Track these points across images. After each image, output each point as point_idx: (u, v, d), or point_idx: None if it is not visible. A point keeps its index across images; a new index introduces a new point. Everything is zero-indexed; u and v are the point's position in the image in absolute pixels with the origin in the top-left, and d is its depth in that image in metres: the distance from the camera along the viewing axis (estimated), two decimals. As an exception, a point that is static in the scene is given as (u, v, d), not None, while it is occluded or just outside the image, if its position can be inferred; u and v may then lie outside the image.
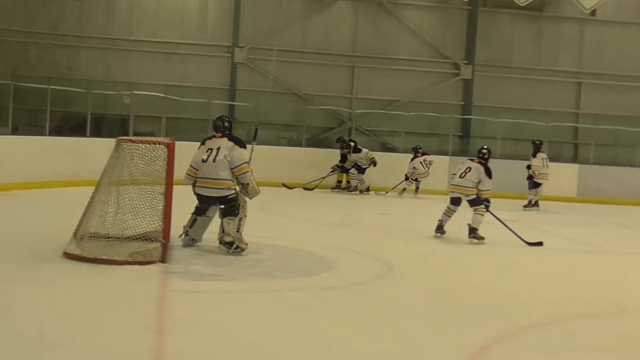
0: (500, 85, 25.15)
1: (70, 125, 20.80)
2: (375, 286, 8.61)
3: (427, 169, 20.18)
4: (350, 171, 20.02)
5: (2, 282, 7.22)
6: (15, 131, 16.92)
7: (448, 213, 12.15)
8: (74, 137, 17.94)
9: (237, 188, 9.70)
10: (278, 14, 24.00)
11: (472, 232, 11.85)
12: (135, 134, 18.59)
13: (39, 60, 21.85)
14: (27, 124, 19.66)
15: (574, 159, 24.77)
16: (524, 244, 11.75)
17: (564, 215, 18.08)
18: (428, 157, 20.37)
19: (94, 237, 8.97)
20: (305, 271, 9.08)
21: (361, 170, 19.92)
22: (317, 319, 6.75)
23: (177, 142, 9.13)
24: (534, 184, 18.52)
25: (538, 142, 18.90)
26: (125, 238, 9.07)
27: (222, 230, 9.54)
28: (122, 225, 9.12)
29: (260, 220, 13.28)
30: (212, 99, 22.26)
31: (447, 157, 21.90)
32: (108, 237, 9.07)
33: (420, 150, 20.42)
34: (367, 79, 24.64)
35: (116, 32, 23.32)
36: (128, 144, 9.36)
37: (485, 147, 12.53)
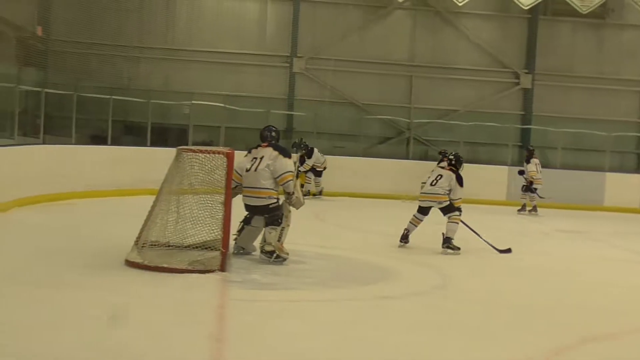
0: (561, 94, 24.79)
1: (131, 135, 21.06)
2: (432, 296, 8.54)
3: None
4: (307, 175, 19.30)
5: (65, 290, 7.32)
6: (77, 141, 17.16)
7: (415, 222, 11.69)
8: (134, 147, 18.15)
9: (280, 197, 9.71)
10: (336, 24, 24.01)
11: (447, 241, 11.26)
12: (194, 144, 18.73)
13: (100, 71, 22.16)
14: (88, 134, 19.97)
15: (637, 169, 24.32)
16: (497, 252, 11.41)
17: (626, 226, 17.76)
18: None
19: (154, 245, 9.05)
20: (361, 281, 9.05)
21: (318, 174, 19.53)
22: (374, 329, 6.71)
23: (236, 152, 9.19)
24: (529, 189, 18.66)
25: (531, 148, 19.31)
26: (186, 247, 9.14)
27: (264, 239, 9.56)
28: (182, 234, 9.20)
29: (316, 229, 13.32)
30: (271, 109, 22.35)
31: (506, 167, 21.65)
32: (168, 246, 9.14)
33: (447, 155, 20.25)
34: (426, 89, 24.51)
35: (176, 42, 23.58)
36: (188, 153, 9.43)
37: (453, 152, 12.38)
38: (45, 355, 5.38)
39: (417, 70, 24.51)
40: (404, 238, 11.55)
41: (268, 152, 9.69)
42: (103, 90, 18.65)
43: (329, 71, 23.44)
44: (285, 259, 9.45)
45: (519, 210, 18.78)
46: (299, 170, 18.54)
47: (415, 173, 18.77)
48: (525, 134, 24.48)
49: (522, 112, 24.83)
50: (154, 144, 18.90)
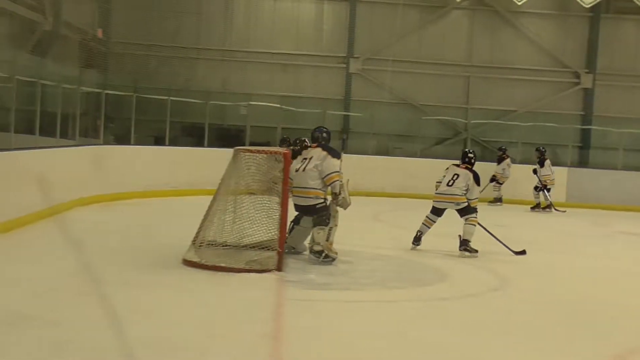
0: (623, 94, 24.35)
1: (189, 135, 21.26)
2: (490, 298, 8.46)
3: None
4: None
5: (124, 288, 7.41)
6: (136, 142, 17.36)
7: (428, 223, 11.09)
8: (192, 148, 18.30)
9: (328, 198, 9.70)
10: (393, 24, 23.93)
11: (464, 244, 10.77)
12: (251, 144, 18.83)
13: (158, 73, 22.42)
14: (147, 134, 20.20)
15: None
16: (512, 253, 11.02)
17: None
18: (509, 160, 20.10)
19: (211, 245, 9.12)
20: (419, 282, 9.01)
21: None
22: (431, 330, 6.67)
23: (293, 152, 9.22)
24: (542, 190, 18.85)
25: (543, 150, 19.34)
26: (242, 246, 9.19)
27: (313, 239, 9.56)
28: (239, 234, 9.27)
29: (374, 230, 13.30)
30: (327, 110, 22.36)
31: (566, 168, 21.34)
32: (225, 245, 9.20)
33: (506, 151, 20.15)
34: (483, 89, 24.30)
35: (233, 44, 23.74)
36: (245, 154, 9.49)
37: (471, 150, 11.91)
38: (108, 351, 5.46)
39: (475, 70, 24.32)
40: (417, 240, 10.99)
41: (317, 153, 9.72)
42: (161, 92, 18.84)
43: (386, 72, 23.36)
44: (334, 259, 9.45)
45: (532, 208, 18.97)
46: None
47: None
48: (585, 135, 24.13)
49: (582, 113, 24.46)
50: (212, 144, 19.03)
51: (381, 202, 18.39)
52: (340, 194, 9.61)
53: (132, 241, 10.37)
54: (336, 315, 7.12)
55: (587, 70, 24.29)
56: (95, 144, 15.69)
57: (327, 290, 8.24)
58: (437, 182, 11.21)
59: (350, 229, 10.51)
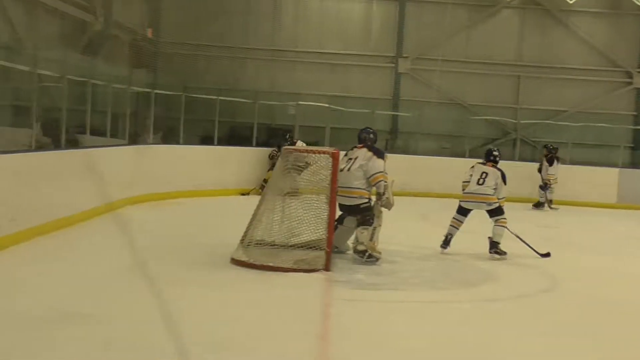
0: (678, 93, 23.94)
1: (237, 135, 21.34)
2: (540, 299, 8.37)
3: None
4: None
5: (173, 287, 7.45)
6: (185, 141, 17.47)
7: (456, 224, 10.69)
8: (240, 147, 18.37)
9: (372, 198, 9.68)
10: (442, 23, 23.77)
11: (494, 246, 10.47)
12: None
13: (207, 72, 22.54)
14: (196, 134, 20.33)
15: None
16: (538, 255, 10.64)
17: None
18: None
19: (260, 244, 9.16)
20: (467, 282, 8.94)
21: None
22: (479, 331, 6.63)
23: (341, 152, 9.21)
24: (544, 188, 18.72)
25: (551, 147, 19.11)
26: (290, 246, 9.22)
27: (356, 239, 9.53)
28: (287, 233, 9.30)
29: (421, 230, 13.25)
30: (375, 109, 22.27)
31: (617, 169, 21.03)
32: (274, 245, 9.24)
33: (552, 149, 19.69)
34: (533, 89, 24.02)
35: (281, 43, 23.76)
36: (294, 153, 9.51)
37: (496, 148, 11.54)
38: (158, 349, 5.51)
39: (525, 69, 24.05)
40: (446, 243, 10.59)
41: (362, 153, 9.74)
42: (210, 92, 18.92)
43: (435, 71, 23.23)
44: (377, 259, 9.44)
45: (534, 206, 18.87)
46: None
47: (521, 174, 18.49)
48: (637, 135, 23.74)
49: (634, 113, 24.07)
50: (260, 144, 19.08)
51: (429, 202, 18.27)
52: (384, 194, 9.58)
53: (181, 240, 10.45)
54: (383, 315, 7.10)
55: (639, 70, 23.90)
56: (144, 144, 15.82)
57: (374, 290, 8.23)
58: (465, 181, 10.85)
59: (398, 229, 10.49)
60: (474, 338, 6.34)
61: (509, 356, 5.98)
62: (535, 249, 10.70)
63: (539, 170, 19.02)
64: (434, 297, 8.06)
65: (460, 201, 10.80)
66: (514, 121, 23.82)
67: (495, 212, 10.58)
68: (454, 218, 10.71)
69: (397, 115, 23.52)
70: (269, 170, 16.63)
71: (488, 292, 8.45)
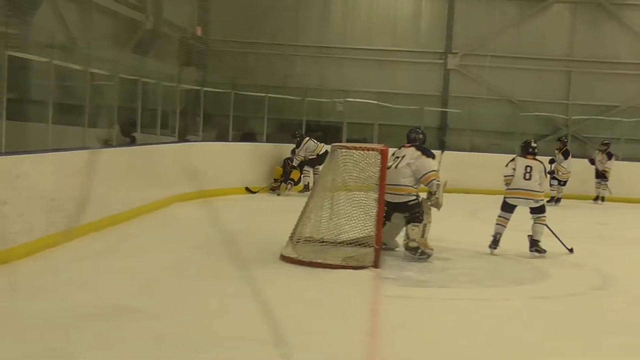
0: None
1: (285, 132, 21.42)
2: (590, 298, 8.26)
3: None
4: (304, 168, 16.86)
5: (222, 283, 7.51)
6: (234, 138, 17.57)
7: (503, 223, 10.28)
8: (288, 144, 18.42)
9: (420, 195, 9.65)
10: (492, 19, 23.60)
11: (535, 244, 10.22)
12: (347, 141, 18.84)
13: (256, 70, 22.66)
14: (244, 131, 20.43)
15: None
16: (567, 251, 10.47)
17: None
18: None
19: (309, 241, 9.18)
20: (516, 280, 8.89)
21: (312, 163, 16.98)
22: (528, 329, 6.59)
23: (389, 149, 9.20)
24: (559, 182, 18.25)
25: (566, 140, 18.77)
26: (339, 243, 9.23)
27: (407, 236, 9.51)
28: (336, 230, 9.32)
29: (471, 227, 13.15)
30: (424, 106, 22.18)
31: (671, 165, 20.68)
32: (322, 242, 9.27)
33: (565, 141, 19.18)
34: (585, 84, 23.71)
35: (330, 40, 23.79)
36: (342, 150, 9.52)
37: (533, 140, 11.08)
38: (207, 345, 5.57)
39: (576, 65, 23.74)
40: (495, 243, 10.24)
41: (410, 152, 9.75)
42: (259, 89, 19.00)
43: (484, 67, 23.07)
44: (429, 255, 9.42)
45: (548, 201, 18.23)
46: (293, 166, 16.70)
47: (573, 170, 18.27)
48: (692, 130, 23.33)
49: (689, 108, 23.66)
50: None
51: (479, 199, 18.14)
52: (435, 194, 9.55)
53: (230, 237, 10.45)
54: (432, 313, 7.09)
55: (693, 64, 23.48)
56: (194, 141, 15.95)
57: (423, 287, 8.20)
58: (507, 175, 10.44)
59: (448, 226, 10.44)
60: (524, 336, 6.30)
61: (559, 354, 5.92)
62: (565, 244, 10.50)
63: (592, 162, 18.88)
64: (484, 295, 8.02)
65: (505, 197, 10.46)
66: (565, 117, 23.56)
67: (540, 210, 10.33)
68: (500, 216, 10.37)
69: (446, 111, 23.40)
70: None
71: (538, 290, 8.37)
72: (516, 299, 7.94)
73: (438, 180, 9.54)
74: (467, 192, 18.66)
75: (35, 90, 13.19)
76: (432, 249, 9.50)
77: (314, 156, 16.67)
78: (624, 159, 20.45)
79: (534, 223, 10.33)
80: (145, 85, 14.12)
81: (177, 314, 6.35)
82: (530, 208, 10.34)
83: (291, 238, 9.18)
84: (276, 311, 6.54)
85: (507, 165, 10.59)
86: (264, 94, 18.48)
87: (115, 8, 16.98)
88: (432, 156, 9.75)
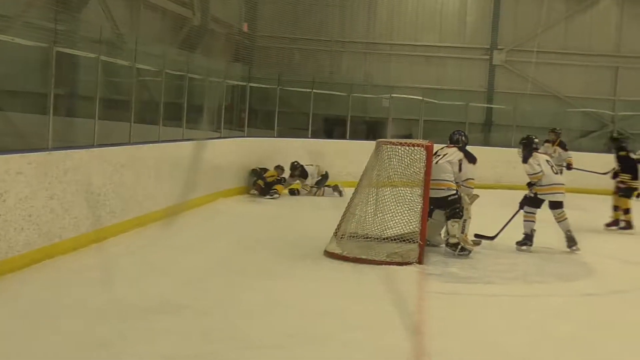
0: None
1: (331, 128, 21.46)
2: (637, 294, 8.21)
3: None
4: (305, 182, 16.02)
5: (268, 279, 7.60)
6: (279, 134, 17.63)
7: (533, 218, 10.28)
8: (334, 140, 18.47)
9: (458, 190, 9.67)
10: (538, 15, 23.38)
11: (571, 240, 10.15)
12: (393, 137, 18.80)
13: (302, 66, 22.73)
14: (290, 126, 20.49)
15: None
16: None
17: None
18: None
19: (353, 237, 9.21)
20: (563, 276, 8.84)
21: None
22: (575, 326, 6.56)
23: (435, 145, 9.20)
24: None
25: (559, 131, 17.86)
26: (384, 239, 9.24)
27: (447, 233, 9.52)
28: (380, 226, 9.33)
29: (516, 223, 13.04)
30: (470, 102, 22.07)
31: None
32: (367, 238, 9.29)
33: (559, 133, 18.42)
34: (632, 80, 23.40)
35: (377, 36, 23.78)
36: (387, 146, 9.54)
37: (534, 135, 10.91)
38: (254, 341, 5.63)
39: (624, 61, 23.47)
40: (530, 240, 10.23)
41: (452, 151, 9.85)
42: (305, 84, 19.04)
43: (530, 63, 22.87)
44: (470, 251, 9.43)
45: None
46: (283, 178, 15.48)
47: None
48: None
49: None
50: (353, 136, 19.13)
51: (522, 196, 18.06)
52: (467, 195, 9.66)
53: (276, 232, 10.59)
54: (479, 309, 7.09)
55: None
56: (239, 136, 16.05)
57: (468, 283, 8.20)
58: (534, 173, 10.36)
59: (492, 222, 10.40)
60: (569, 332, 6.28)
61: (605, 351, 5.90)
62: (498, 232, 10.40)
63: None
64: (529, 291, 8.00)
65: (538, 194, 10.35)
66: (611, 113, 23.28)
67: (560, 205, 10.27)
68: (528, 212, 10.36)
69: (491, 107, 23.26)
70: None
71: (583, 286, 8.33)
72: (563, 295, 7.91)
73: (472, 188, 9.75)
74: (511, 188, 18.51)
75: (82, 86, 13.38)
76: (472, 245, 9.52)
77: (319, 177, 16.14)
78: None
79: (559, 222, 10.24)
80: (191, 80, 14.24)
81: (222, 310, 6.41)
82: (550, 202, 10.27)
83: (336, 234, 9.22)
84: (321, 307, 6.62)
85: (531, 163, 10.43)
86: (309, 90, 18.52)
87: (163, 4, 17.16)
88: (474, 161, 9.80)
